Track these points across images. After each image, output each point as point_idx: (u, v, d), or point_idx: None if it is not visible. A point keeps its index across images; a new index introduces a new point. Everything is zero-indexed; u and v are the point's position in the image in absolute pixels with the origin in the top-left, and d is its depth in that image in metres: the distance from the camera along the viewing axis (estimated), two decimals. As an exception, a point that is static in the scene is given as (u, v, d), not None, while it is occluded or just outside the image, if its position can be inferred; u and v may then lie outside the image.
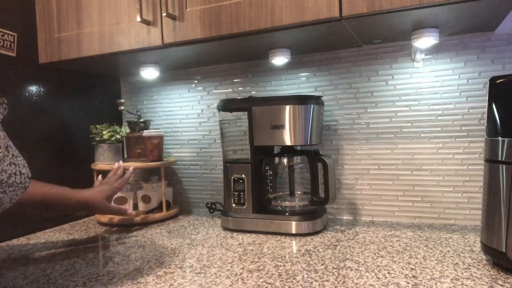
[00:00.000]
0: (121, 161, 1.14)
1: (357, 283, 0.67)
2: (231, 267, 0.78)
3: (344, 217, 1.15)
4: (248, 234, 1.01)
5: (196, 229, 1.09)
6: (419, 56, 1.03)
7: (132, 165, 1.16)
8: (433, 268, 0.73)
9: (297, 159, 1.09)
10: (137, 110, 1.32)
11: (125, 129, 1.23)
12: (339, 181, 1.14)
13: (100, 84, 1.38)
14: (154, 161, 1.17)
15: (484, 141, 0.73)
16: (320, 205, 1.02)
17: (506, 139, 0.68)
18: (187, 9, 0.93)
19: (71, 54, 1.08)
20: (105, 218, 1.17)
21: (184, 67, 1.30)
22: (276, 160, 1.09)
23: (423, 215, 1.06)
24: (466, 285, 0.65)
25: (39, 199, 0.84)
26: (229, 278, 0.72)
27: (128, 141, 1.22)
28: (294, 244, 0.91)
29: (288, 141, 0.98)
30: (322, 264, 0.77)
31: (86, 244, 0.98)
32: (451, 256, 0.79)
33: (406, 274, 0.71)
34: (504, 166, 0.68)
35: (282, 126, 0.98)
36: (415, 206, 1.07)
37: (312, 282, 0.69)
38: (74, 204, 0.92)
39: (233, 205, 1.05)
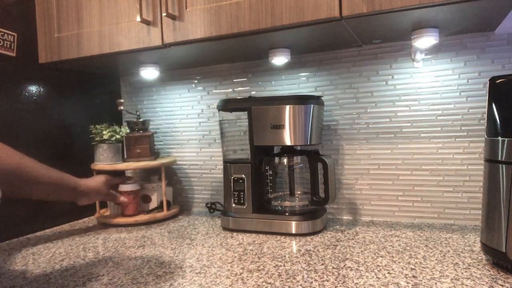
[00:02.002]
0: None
1: (357, 283, 0.67)
2: (231, 267, 0.78)
3: (344, 217, 1.15)
4: (248, 234, 1.01)
5: (196, 229, 1.09)
6: (419, 56, 1.03)
7: (132, 165, 1.16)
8: (433, 268, 0.73)
9: (297, 159, 1.09)
10: (137, 110, 1.32)
11: (125, 129, 1.23)
12: (339, 181, 1.14)
13: (100, 84, 1.38)
14: (131, 216, 1.17)
15: (484, 141, 0.73)
16: (320, 205, 1.02)
17: (506, 139, 0.68)
18: (187, 9, 0.93)
19: (71, 54, 1.08)
20: (105, 218, 1.17)
21: (184, 67, 1.30)
22: (276, 160, 1.09)
23: (423, 215, 1.06)
24: (466, 285, 0.65)
25: (46, 181, 0.88)
26: (229, 278, 0.72)
27: (128, 141, 1.22)
28: (294, 244, 0.91)
29: (288, 141, 0.98)
30: (322, 264, 0.77)
31: (86, 244, 0.98)
32: (451, 256, 0.79)
33: (406, 274, 0.71)
34: (504, 166, 0.68)
35: (282, 126, 0.98)
36: (415, 206, 1.07)
37: (312, 282, 0.69)
38: (80, 190, 0.98)
39: (233, 205, 1.05)
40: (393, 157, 1.09)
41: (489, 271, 0.71)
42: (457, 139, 1.02)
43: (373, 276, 0.70)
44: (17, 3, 1.08)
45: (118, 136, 1.19)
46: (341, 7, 0.79)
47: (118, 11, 1.02)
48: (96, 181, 1.05)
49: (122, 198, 1.14)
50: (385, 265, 0.76)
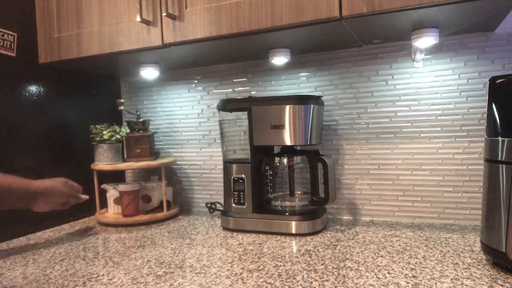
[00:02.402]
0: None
1: (357, 283, 0.67)
2: (231, 267, 0.78)
3: (344, 217, 1.15)
4: (248, 234, 1.01)
5: (196, 229, 1.09)
6: (419, 56, 1.03)
7: (132, 165, 1.16)
8: (433, 268, 0.73)
9: (297, 159, 1.09)
10: (137, 110, 1.33)
11: (125, 129, 1.23)
12: (339, 181, 1.14)
13: (100, 84, 1.38)
14: (131, 216, 1.17)
15: (484, 141, 0.73)
16: (320, 205, 1.02)
17: (506, 139, 0.68)
18: (187, 9, 0.93)
19: (71, 54, 1.08)
20: (105, 218, 1.17)
21: (184, 67, 1.30)
22: (276, 160, 1.09)
23: (423, 215, 1.06)
24: (466, 285, 0.65)
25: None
26: (229, 278, 0.72)
27: (128, 141, 1.22)
28: (294, 244, 0.91)
29: (288, 141, 0.98)
30: (322, 264, 0.77)
31: (86, 244, 0.98)
32: (451, 256, 0.79)
33: (406, 274, 0.71)
34: (504, 166, 0.68)
35: (282, 126, 0.98)
36: (415, 206, 1.07)
37: (312, 282, 0.69)
38: (33, 190, 0.89)
39: (233, 205, 1.05)
40: (393, 157, 1.09)
41: (489, 271, 0.71)
42: (457, 139, 1.02)
43: (373, 276, 0.70)
44: (17, 3, 1.08)
45: (118, 136, 1.19)
46: (341, 7, 0.79)
47: (118, 11, 1.02)
48: (53, 180, 0.95)
49: (84, 196, 1.04)
50: (385, 265, 0.76)
